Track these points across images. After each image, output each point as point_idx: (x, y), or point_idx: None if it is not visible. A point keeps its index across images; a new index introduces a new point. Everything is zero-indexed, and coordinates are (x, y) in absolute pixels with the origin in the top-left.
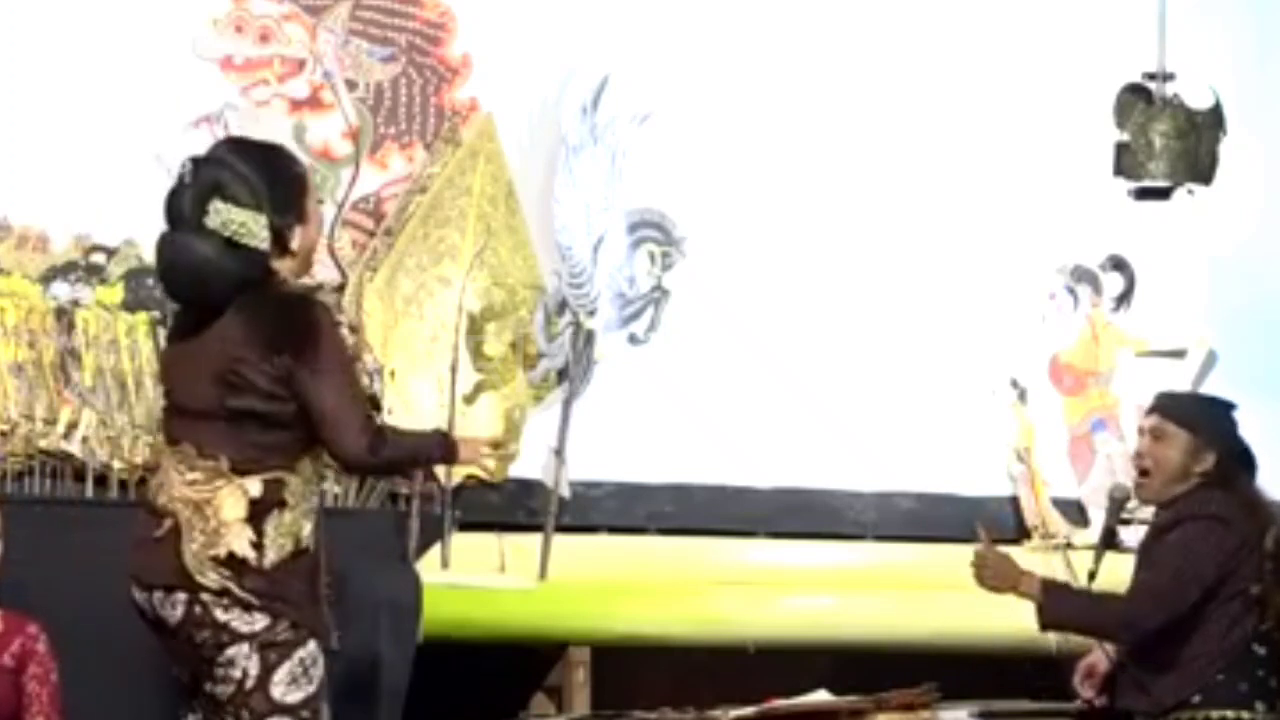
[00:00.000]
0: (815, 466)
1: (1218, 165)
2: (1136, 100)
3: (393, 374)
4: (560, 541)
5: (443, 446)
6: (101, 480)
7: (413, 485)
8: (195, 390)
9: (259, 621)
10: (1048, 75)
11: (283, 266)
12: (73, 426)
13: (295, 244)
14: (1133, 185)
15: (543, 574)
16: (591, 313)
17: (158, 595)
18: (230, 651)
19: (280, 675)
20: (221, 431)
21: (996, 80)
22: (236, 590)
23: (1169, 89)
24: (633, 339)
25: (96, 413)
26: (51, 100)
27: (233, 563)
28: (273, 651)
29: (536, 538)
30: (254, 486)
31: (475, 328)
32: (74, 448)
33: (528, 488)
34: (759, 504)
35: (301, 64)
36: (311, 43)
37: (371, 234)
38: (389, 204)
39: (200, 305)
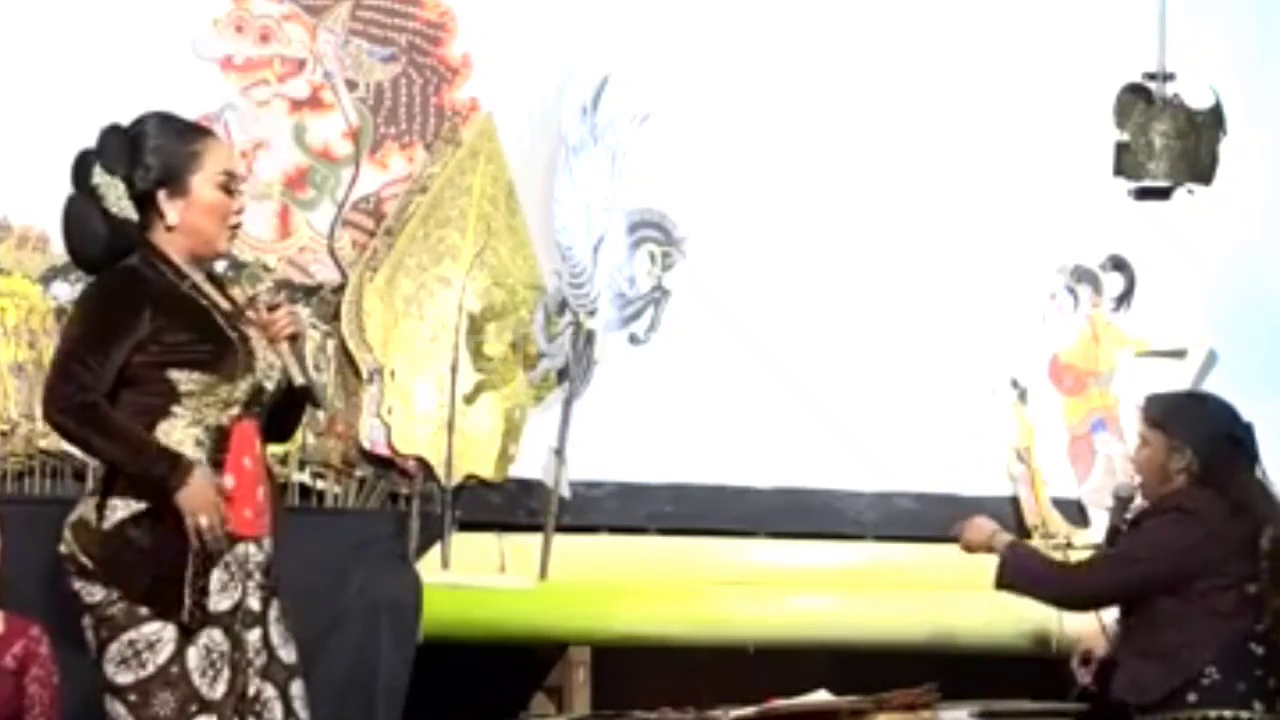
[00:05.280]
0: (815, 466)
1: (1218, 165)
2: (1136, 100)
3: (393, 374)
4: (560, 541)
5: (169, 468)
6: None
7: (413, 485)
8: None
9: (97, 593)
10: (1048, 75)
11: (163, 239)
12: None
13: (172, 218)
14: (1133, 185)
15: (543, 574)
16: (591, 313)
17: None
18: (82, 621)
19: (110, 653)
20: None
21: (997, 80)
22: (79, 554)
23: (1169, 89)
24: (633, 339)
25: None
26: (51, 100)
27: (78, 525)
28: (104, 628)
29: (536, 538)
30: None
31: (475, 328)
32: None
33: (528, 488)
34: (759, 504)
35: (301, 64)
36: (311, 43)
37: (371, 234)
38: (389, 204)
39: (81, 267)
